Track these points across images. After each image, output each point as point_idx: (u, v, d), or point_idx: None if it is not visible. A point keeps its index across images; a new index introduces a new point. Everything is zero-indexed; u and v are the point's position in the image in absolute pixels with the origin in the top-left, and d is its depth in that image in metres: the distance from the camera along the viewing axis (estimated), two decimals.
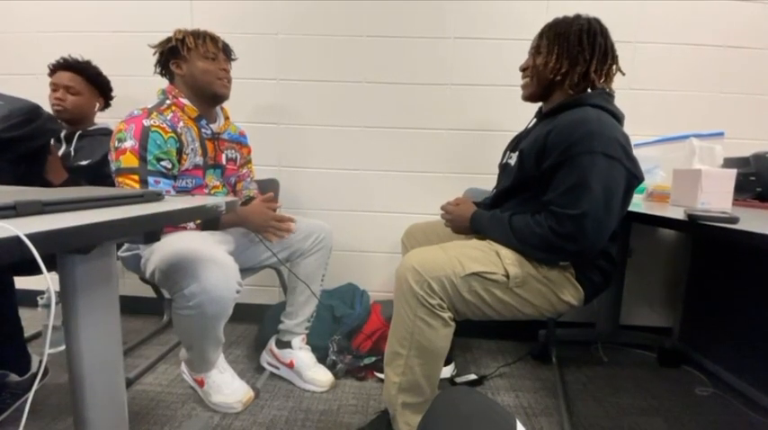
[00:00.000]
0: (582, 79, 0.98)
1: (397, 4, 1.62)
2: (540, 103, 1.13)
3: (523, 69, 1.08)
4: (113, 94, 1.54)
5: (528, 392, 1.33)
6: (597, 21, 0.99)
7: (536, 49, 1.04)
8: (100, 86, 1.48)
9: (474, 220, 1.05)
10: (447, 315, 0.90)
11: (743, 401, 1.28)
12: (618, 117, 0.96)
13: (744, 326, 1.34)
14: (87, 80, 1.43)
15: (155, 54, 1.19)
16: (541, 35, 1.03)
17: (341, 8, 1.64)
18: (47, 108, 1.12)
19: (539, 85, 1.04)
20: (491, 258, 0.93)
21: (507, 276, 0.91)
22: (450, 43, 1.64)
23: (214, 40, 1.19)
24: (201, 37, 1.17)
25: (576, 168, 0.86)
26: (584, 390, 1.35)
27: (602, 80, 0.98)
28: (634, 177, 0.91)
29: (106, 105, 1.55)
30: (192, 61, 1.16)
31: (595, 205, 0.84)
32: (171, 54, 1.17)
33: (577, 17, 0.99)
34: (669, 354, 1.54)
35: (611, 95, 1.00)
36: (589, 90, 0.99)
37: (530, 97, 1.09)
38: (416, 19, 1.63)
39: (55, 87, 1.40)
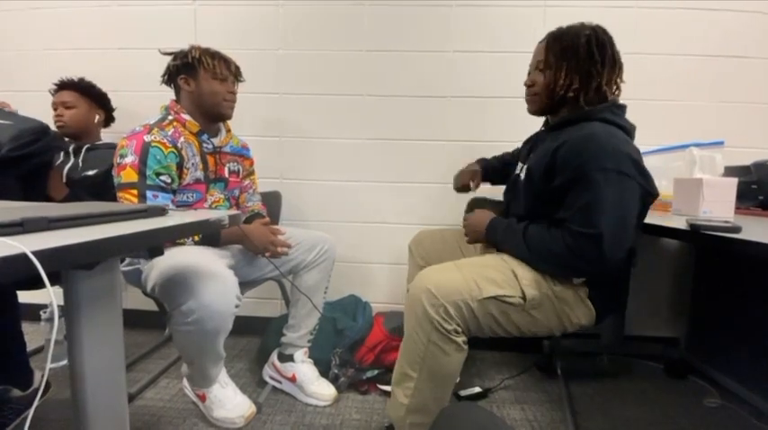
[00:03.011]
0: (596, 93, 0.94)
1: (397, 18, 1.65)
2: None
3: (529, 85, 1.04)
4: (114, 105, 1.59)
5: (534, 405, 1.31)
6: (603, 29, 0.95)
7: (544, 64, 0.98)
8: (95, 98, 1.54)
9: (490, 230, 1.01)
10: (461, 339, 0.87)
11: (752, 412, 1.26)
12: (628, 131, 0.93)
13: (752, 336, 1.32)
14: (81, 94, 1.50)
15: (170, 60, 1.20)
16: (547, 49, 0.97)
17: (341, 23, 1.67)
18: (54, 127, 1.15)
19: (548, 101, 1.00)
20: (508, 279, 0.89)
21: (524, 298, 0.88)
22: (449, 56, 1.66)
23: (227, 62, 1.23)
24: (216, 57, 1.20)
25: (589, 186, 0.84)
26: (591, 403, 1.34)
27: (614, 91, 0.95)
28: (648, 194, 0.88)
29: (108, 118, 1.59)
30: (202, 80, 1.18)
31: (611, 225, 0.82)
32: (183, 68, 1.18)
33: (582, 27, 0.95)
34: (676, 365, 1.52)
35: (620, 108, 0.96)
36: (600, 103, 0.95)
37: (538, 112, 1.05)
38: (416, 33, 1.65)
39: (55, 106, 1.48)
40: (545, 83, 0.98)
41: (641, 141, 1.59)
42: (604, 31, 0.95)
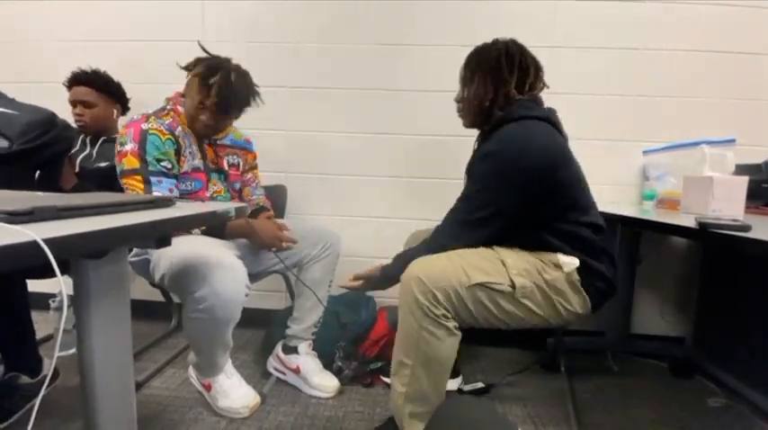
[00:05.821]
0: (505, 99, 1.00)
1: (404, 12, 1.64)
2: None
3: (457, 101, 1.10)
4: (129, 96, 1.58)
5: (536, 402, 1.31)
6: (514, 41, 1.03)
7: (463, 80, 1.07)
8: (113, 93, 1.52)
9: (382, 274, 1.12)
10: (452, 324, 0.90)
11: (757, 412, 1.25)
12: (545, 118, 0.97)
13: (758, 336, 1.31)
14: (99, 90, 1.48)
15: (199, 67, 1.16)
16: (466, 65, 1.06)
17: (349, 17, 1.66)
18: (62, 116, 1.16)
19: (474, 114, 1.06)
20: (497, 268, 0.92)
21: (513, 286, 0.90)
22: (456, 51, 1.64)
23: (235, 107, 1.19)
24: (228, 98, 1.14)
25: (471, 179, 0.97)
26: (594, 401, 1.33)
27: (526, 93, 1.00)
28: (543, 179, 0.91)
29: (125, 109, 1.58)
30: (193, 97, 1.15)
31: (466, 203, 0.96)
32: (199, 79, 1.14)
33: (495, 42, 1.04)
34: (681, 364, 1.52)
35: (535, 100, 1.02)
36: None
37: (469, 125, 1.12)
38: (423, 27, 1.64)
39: (73, 104, 1.46)
40: (467, 97, 1.06)
41: (652, 138, 1.60)
42: (515, 43, 1.03)
